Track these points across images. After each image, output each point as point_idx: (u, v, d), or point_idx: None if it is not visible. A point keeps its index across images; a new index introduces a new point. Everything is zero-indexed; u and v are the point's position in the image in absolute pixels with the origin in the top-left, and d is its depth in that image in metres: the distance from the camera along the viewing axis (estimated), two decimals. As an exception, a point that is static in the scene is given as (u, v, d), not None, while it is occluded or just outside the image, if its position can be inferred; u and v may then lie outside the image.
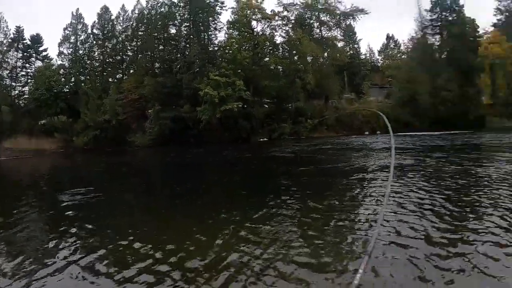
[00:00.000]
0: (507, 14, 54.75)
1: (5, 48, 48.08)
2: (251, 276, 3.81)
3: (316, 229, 5.37)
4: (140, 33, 42.11)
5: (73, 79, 43.94)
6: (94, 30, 45.08)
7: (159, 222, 7.13)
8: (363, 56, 55.71)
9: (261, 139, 34.28)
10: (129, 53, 43.46)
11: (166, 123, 34.18)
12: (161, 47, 40.52)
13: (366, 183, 9.40)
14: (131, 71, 42.30)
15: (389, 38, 56.68)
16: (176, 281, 3.89)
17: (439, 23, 43.98)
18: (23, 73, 49.35)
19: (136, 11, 43.71)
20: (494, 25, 53.67)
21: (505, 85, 48.83)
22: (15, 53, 49.57)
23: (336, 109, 37.70)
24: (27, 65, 49.65)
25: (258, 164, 18.75)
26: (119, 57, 43.28)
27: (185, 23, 40.59)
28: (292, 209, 6.90)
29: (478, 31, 46.53)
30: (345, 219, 5.81)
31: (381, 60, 56.78)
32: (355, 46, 54.32)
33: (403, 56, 48.53)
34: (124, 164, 24.51)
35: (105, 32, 44.12)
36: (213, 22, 39.97)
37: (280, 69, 37.85)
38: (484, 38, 48.90)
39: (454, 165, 11.69)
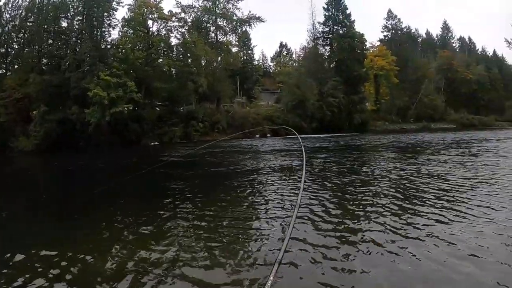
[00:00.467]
0: (393, 31, 61.94)
1: None
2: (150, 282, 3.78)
3: (213, 234, 5.35)
4: (28, 23, 39.52)
5: None
6: (-24, 16, 40.98)
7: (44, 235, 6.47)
8: (256, 62, 58.72)
9: (152, 143, 35.17)
10: (15, 46, 40.49)
11: (53, 126, 33.44)
12: (50, 41, 38.53)
13: (257, 183, 10.05)
14: (16, 66, 39.86)
15: (282, 46, 60.48)
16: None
17: (330, 35, 48.38)
18: None
19: (27, -1, 40.63)
20: (381, 40, 60.77)
21: (388, 93, 56.31)
22: None
23: (228, 113, 40.18)
24: None
25: (148, 169, 18.09)
26: (3, 50, 40.08)
27: (78, 17, 39.12)
28: (187, 213, 6.90)
29: (366, 45, 52.40)
30: (239, 222, 5.97)
31: (273, 66, 60.52)
32: (249, 52, 57.02)
33: (294, 64, 52.49)
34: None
35: (-11, 19, 40.43)
36: (108, 18, 39.24)
37: (173, 71, 38.91)
38: (371, 51, 55.27)
39: (338, 164, 13.40)
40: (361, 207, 6.46)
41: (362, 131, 44.66)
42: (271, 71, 56.86)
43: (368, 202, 6.76)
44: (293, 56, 54.86)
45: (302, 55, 49.98)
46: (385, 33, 63.52)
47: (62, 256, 4.74)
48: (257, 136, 40.32)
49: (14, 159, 32.05)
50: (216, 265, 4.18)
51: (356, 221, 5.51)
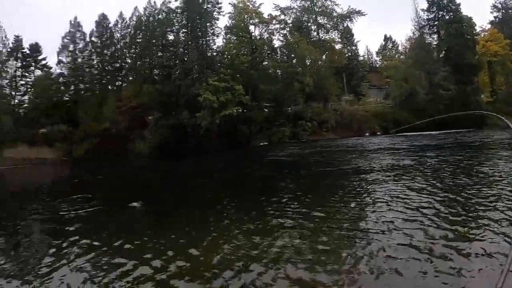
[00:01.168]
0: (503, 11, 54.91)
1: (4, 58, 47.86)
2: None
3: (319, 235, 5.54)
4: (138, 40, 42.30)
5: (72, 88, 44.05)
6: (93, 38, 45.27)
7: (161, 225, 7.81)
8: (361, 58, 55.84)
9: (261, 144, 34.28)
10: (128, 60, 43.63)
11: (166, 131, 34.19)
12: (159, 53, 40.67)
13: (366, 183, 9.73)
14: (130, 78, 42.50)
15: (387, 39, 56.86)
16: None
17: (436, 22, 44.05)
18: (23, 82, 48.86)
19: (134, 18, 44.01)
20: (491, 22, 53.91)
21: (504, 82, 48.90)
22: (14, 62, 49.29)
23: (335, 111, 37.65)
24: (27, 74, 49.29)
25: (262, 169, 19.09)
26: (117, 65, 43.41)
27: (183, 29, 40.64)
28: (293, 212, 7.22)
29: (475, 29, 46.60)
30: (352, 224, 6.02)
31: (379, 61, 56.92)
32: (353, 47, 54.49)
33: (401, 57, 48.56)
34: (123, 173, 24.70)
35: (104, 39, 44.30)
36: (211, 28, 40.01)
37: (279, 73, 37.91)
38: (482, 35, 48.95)
39: (458, 164, 11.99)
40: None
41: (479, 126, 38.87)
42: (377, 66, 53.74)
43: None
44: (399, 48, 51.35)
45: (408, 47, 46.12)
46: (495, 14, 56.28)
47: (168, 247, 5.63)
48: (367, 134, 37.10)
49: (133, 162, 33.11)
50: (319, 267, 4.36)
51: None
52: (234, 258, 4.85)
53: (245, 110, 34.89)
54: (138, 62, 42.07)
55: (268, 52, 38.76)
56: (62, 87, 44.60)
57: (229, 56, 37.27)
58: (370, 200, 7.68)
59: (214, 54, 39.35)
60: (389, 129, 36.18)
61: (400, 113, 37.19)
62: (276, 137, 34.65)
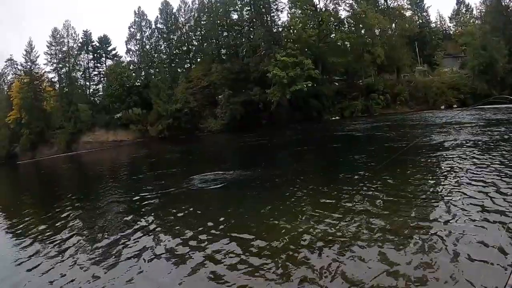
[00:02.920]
0: None
1: (76, 52, 51.41)
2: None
3: (394, 214, 5.70)
4: (203, 22, 43.24)
5: (143, 73, 46.49)
6: (158, 25, 47.26)
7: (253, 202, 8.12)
8: (433, 25, 51.82)
9: (333, 118, 33.77)
10: (194, 43, 44.98)
11: (237, 108, 34.88)
12: (225, 33, 41.35)
13: (444, 162, 9.29)
14: (198, 59, 43.85)
15: (459, 2, 52.12)
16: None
17: (514, -18, 39.61)
18: (96, 72, 52.93)
19: (197, 2, 44.93)
20: None
21: None
22: (86, 55, 52.95)
23: (409, 83, 35.68)
24: (98, 65, 53.15)
25: (334, 143, 18.96)
26: (185, 48, 44.92)
27: (246, 7, 40.87)
28: (368, 188, 7.42)
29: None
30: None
31: (452, 27, 52.60)
32: (424, 14, 50.77)
33: (476, 22, 44.43)
34: (199, 149, 25.77)
35: (169, 25, 45.96)
36: (274, 3, 39.82)
37: (348, 45, 36.69)
38: None
39: None
40: None
41: None
42: (451, 33, 50.12)
43: None
44: (474, 12, 47.18)
45: (484, 11, 42.15)
46: None
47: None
48: (442, 107, 34.69)
49: (206, 138, 34.28)
50: (394, 248, 4.46)
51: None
52: (307, 236, 5.27)
53: (315, 85, 34.39)
54: (205, 44, 43.14)
55: (335, 23, 37.67)
56: (133, 74, 47.23)
57: (295, 31, 36.92)
58: (444, 180, 7.45)
59: (280, 29, 39.15)
60: (466, 101, 33.84)
61: (478, 84, 34.39)
62: (348, 111, 33.93)
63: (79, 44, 51.85)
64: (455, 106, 34.86)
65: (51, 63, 48.89)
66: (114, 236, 6.72)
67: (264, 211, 6.84)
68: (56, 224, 8.25)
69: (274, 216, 6.51)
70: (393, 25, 38.13)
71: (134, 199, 10.00)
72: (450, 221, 5.15)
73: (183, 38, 44.78)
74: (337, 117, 33.64)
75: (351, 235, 5.06)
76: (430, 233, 4.83)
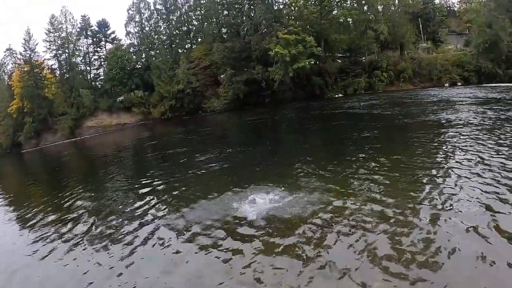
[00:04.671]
0: None
1: (75, 38, 50.62)
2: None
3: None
4: (202, 1, 42.62)
5: (143, 55, 46.09)
6: (157, 6, 46.51)
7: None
8: (437, 1, 50.66)
9: (336, 95, 33.57)
10: (194, 23, 44.45)
11: (239, 86, 34.71)
12: (225, 12, 40.77)
13: (446, 140, 9.50)
14: (199, 39, 43.37)
15: None
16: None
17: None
18: (96, 57, 52.29)
19: (196, -19, 44.13)
20: None
21: None
22: (85, 40, 52.23)
23: (413, 60, 35.31)
24: (98, 49, 52.47)
25: (337, 120, 19.32)
26: (185, 28, 44.39)
27: (246, -15, 40.18)
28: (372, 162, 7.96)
29: None
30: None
31: (457, 4, 51.60)
32: None
33: None
34: (202, 129, 25.92)
35: (168, 6, 45.29)
36: (275, -20, 39.03)
37: (350, 21, 36.15)
38: None
39: None
40: None
41: None
42: (455, 9, 49.34)
43: None
44: None
45: (489, -14, 41.35)
46: None
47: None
48: (446, 85, 34.46)
49: (209, 117, 34.30)
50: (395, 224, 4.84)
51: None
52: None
53: (318, 62, 34.13)
54: (205, 23, 42.63)
55: (337, 0, 36.99)
56: (134, 56, 46.85)
57: (296, 8, 36.41)
58: (446, 157, 7.76)
59: (281, 7, 38.54)
60: (471, 79, 33.64)
61: (483, 62, 34.04)
62: (351, 88, 33.70)
63: (78, 29, 51.10)
64: (459, 83, 34.60)
65: (50, 50, 48.28)
66: (123, 221, 6.91)
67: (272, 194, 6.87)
68: (64, 212, 8.43)
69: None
70: (396, 1, 37.45)
71: (139, 182, 10.15)
72: (451, 198, 5.42)
73: (182, 18, 44.18)
74: (340, 95, 33.45)
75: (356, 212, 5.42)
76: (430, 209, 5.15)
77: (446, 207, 5.19)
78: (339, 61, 36.52)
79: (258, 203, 6.25)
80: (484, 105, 16.09)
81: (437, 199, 5.48)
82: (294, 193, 6.49)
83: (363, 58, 35.87)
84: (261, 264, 4.38)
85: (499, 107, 14.69)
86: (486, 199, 5.21)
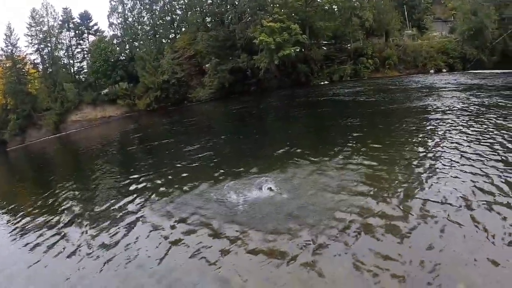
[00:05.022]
0: None
1: (57, 31, 49.24)
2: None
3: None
4: (186, -10, 41.93)
5: (127, 47, 45.23)
6: (140, -4, 45.50)
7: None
8: None
9: (322, 82, 33.43)
10: (178, 12, 43.63)
11: (225, 75, 34.32)
12: (209, 1, 40.10)
13: (431, 126, 9.63)
14: (183, 29, 42.69)
15: None
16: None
17: None
18: (79, 50, 50.93)
19: (179, -30, 43.34)
20: None
21: None
22: (68, 33, 50.95)
23: (398, 47, 35.35)
24: (81, 41, 51.14)
25: (323, 107, 19.66)
26: (169, 18, 43.60)
27: (231, -27, 39.57)
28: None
29: None
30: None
31: None
32: None
33: None
34: (188, 119, 25.57)
35: (151, -5, 44.40)
36: (259, -33, 38.44)
37: (335, 8, 35.95)
38: None
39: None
40: None
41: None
42: None
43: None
44: None
45: (475, -26, 41.55)
46: None
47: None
48: (431, 71, 34.69)
49: (194, 107, 33.92)
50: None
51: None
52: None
53: (303, 50, 33.89)
54: (189, 12, 41.86)
55: (322, -13, 36.71)
56: (117, 48, 45.90)
57: (281, -5, 35.92)
58: (429, 143, 7.93)
59: (266, -5, 37.94)
60: (456, 66, 33.97)
61: (467, 49, 34.33)
62: (337, 75, 33.59)
63: (60, 22, 49.68)
64: (444, 70, 34.85)
65: (32, 44, 46.84)
66: (109, 217, 6.93)
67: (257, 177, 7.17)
68: (50, 210, 8.35)
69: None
70: (382, -13, 37.40)
71: (125, 176, 10.09)
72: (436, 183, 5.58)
73: (166, 8, 43.38)
74: (326, 82, 33.30)
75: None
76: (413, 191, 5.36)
77: (431, 193, 5.32)
78: (325, 48, 36.29)
79: (244, 193, 6.31)
80: (468, 91, 16.38)
81: (422, 185, 5.64)
82: (280, 183, 6.57)
83: (349, 45, 35.73)
84: (248, 256, 4.47)
85: (483, 93, 14.97)
86: (471, 183, 5.37)
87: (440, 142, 7.80)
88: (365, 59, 33.83)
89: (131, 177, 9.64)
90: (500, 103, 11.93)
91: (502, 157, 6.31)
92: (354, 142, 8.93)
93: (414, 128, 9.80)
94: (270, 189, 6.35)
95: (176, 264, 4.67)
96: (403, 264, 3.78)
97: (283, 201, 5.77)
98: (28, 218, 8.16)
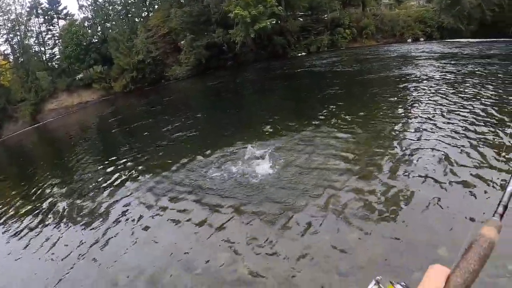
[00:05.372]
0: None
1: (25, 18, 47.26)
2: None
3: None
4: (157, -35, 40.43)
5: (99, 29, 43.61)
6: (109, -26, 43.71)
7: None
8: None
9: (299, 54, 33.03)
10: (150, -11, 42.15)
11: (200, 51, 33.46)
12: (181, -24, 38.73)
13: (407, 93, 9.92)
14: (156, 6, 41.28)
15: None
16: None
17: None
18: (49, 36, 48.95)
19: None
20: None
21: None
22: (37, 19, 48.88)
23: (375, 16, 35.08)
24: (51, 27, 49.10)
25: (299, 79, 19.71)
26: (140, -5, 42.12)
27: None
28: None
29: None
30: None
31: None
32: None
33: None
34: (165, 98, 25.09)
35: (121, -27, 42.72)
36: None
37: (311, -21, 35.26)
38: None
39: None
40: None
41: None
42: None
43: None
44: None
45: None
46: None
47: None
48: (409, 40, 34.70)
49: (172, 86, 33.17)
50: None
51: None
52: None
53: (279, 22, 33.26)
54: (162, -12, 40.48)
55: (297, -43, 35.83)
56: (89, 30, 44.26)
57: (255, -34, 34.94)
58: (406, 112, 8.03)
59: (240, -33, 36.86)
60: (433, 35, 34.03)
61: (445, 18, 34.34)
62: (314, 46, 33.15)
63: (28, 9, 47.53)
64: (421, 39, 34.91)
65: (1, 34, 44.97)
66: (94, 203, 6.85)
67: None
68: (34, 204, 8.11)
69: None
70: (357, -44, 36.79)
71: (106, 161, 9.87)
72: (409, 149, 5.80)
73: (137, -16, 41.87)
74: (303, 53, 32.88)
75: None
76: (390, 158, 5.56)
77: (406, 158, 5.54)
78: (301, 19, 35.69)
79: (225, 168, 6.39)
80: (444, 60, 16.64)
81: (398, 151, 5.85)
82: (260, 155, 6.65)
83: (325, 15, 35.23)
84: (230, 230, 4.51)
85: (459, 61, 15.20)
86: (444, 149, 5.56)
87: (416, 111, 7.91)
88: (342, 29, 33.49)
89: (111, 162, 9.50)
90: (477, 72, 12.14)
91: (479, 125, 6.46)
92: (331, 113, 9.09)
93: (391, 97, 9.97)
94: (248, 161, 6.44)
95: (155, 250, 4.66)
96: (382, 236, 3.83)
97: (262, 173, 5.83)
98: (10, 213, 7.94)
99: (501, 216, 0.74)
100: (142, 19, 41.22)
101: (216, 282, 3.76)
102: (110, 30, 41.65)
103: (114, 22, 42.00)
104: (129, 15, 42.25)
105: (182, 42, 34.99)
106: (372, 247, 3.72)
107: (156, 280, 4.03)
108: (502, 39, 29.05)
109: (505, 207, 0.77)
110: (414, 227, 3.88)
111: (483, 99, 8.03)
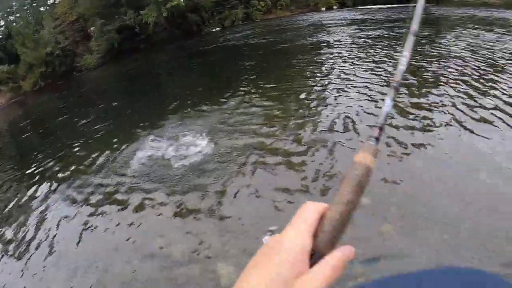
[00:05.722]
0: None
1: None
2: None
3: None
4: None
5: (2, 23, 39.82)
6: (8, -37, 40.04)
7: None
8: None
9: (214, 29, 32.70)
10: (53, -25, 39.15)
11: (112, 36, 31.78)
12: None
13: (321, 59, 10.31)
14: (62, -7, 38.53)
15: None
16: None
17: None
18: None
19: None
20: None
21: None
22: None
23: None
24: None
25: (213, 54, 19.41)
26: (44, -18, 39.05)
27: None
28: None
29: None
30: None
31: None
32: None
33: None
34: (77, 92, 23.66)
35: (20, -40, 39.30)
36: None
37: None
38: None
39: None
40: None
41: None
42: None
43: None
44: None
45: None
46: None
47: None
48: (323, 9, 35.74)
49: (84, 77, 31.34)
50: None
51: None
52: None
53: (192, -2, 32.56)
54: (65, -26, 37.74)
55: None
56: (-9, 26, 40.37)
57: None
58: (319, 76, 8.42)
59: None
60: (346, 3, 35.44)
61: None
62: (228, 20, 32.97)
63: None
64: (335, 7, 35.99)
65: None
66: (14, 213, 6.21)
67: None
68: None
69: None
70: None
71: (20, 170, 8.87)
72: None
73: (39, -28, 38.79)
74: (218, 28, 32.59)
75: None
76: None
77: (323, 122, 5.86)
78: (214, -6, 35.33)
79: (147, 156, 6.22)
80: (355, 25, 17.53)
81: (315, 117, 6.12)
82: (179, 137, 6.65)
83: (239, -12, 35.15)
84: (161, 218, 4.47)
85: (370, 27, 16.07)
86: (358, 108, 5.99)
87: (330, 74, 8.36)
88: (256, 1, 33.56)
89: (28, 170, 8.49)
90: (385, 35, 13.02)
91: (387, 82, 7.02)
92: (247, 83, 9.20)
93: (305, 64, 10.62)
94: (170, 144, 6.40)
95: (93, 248, 4.44)
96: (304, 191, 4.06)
97: (183, 153, 5.87)
98: None
99: (377, 139, 0.67)
100: (48, 7, 38.19)
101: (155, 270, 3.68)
102: (14, 24, 38.20)
103: (18, 14, 38.56)
104: (34, 5, 38.97)
105: (92, 28, 33.04)
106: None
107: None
108: (413, 4, 30.72)
109: (381, 128, 0.70)
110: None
111: (390, 60, 8.76)
